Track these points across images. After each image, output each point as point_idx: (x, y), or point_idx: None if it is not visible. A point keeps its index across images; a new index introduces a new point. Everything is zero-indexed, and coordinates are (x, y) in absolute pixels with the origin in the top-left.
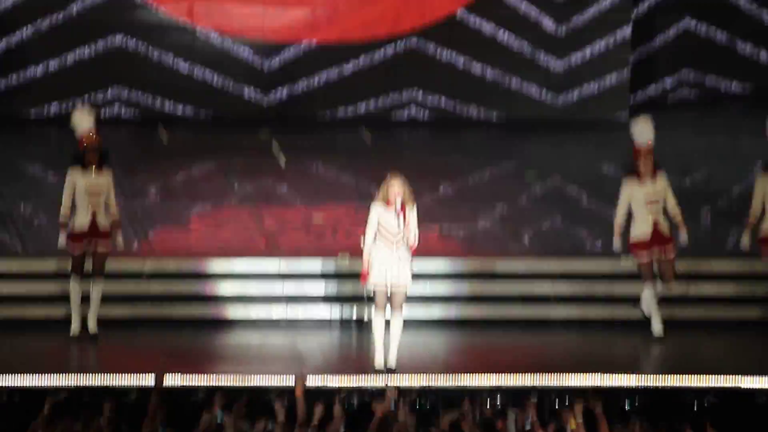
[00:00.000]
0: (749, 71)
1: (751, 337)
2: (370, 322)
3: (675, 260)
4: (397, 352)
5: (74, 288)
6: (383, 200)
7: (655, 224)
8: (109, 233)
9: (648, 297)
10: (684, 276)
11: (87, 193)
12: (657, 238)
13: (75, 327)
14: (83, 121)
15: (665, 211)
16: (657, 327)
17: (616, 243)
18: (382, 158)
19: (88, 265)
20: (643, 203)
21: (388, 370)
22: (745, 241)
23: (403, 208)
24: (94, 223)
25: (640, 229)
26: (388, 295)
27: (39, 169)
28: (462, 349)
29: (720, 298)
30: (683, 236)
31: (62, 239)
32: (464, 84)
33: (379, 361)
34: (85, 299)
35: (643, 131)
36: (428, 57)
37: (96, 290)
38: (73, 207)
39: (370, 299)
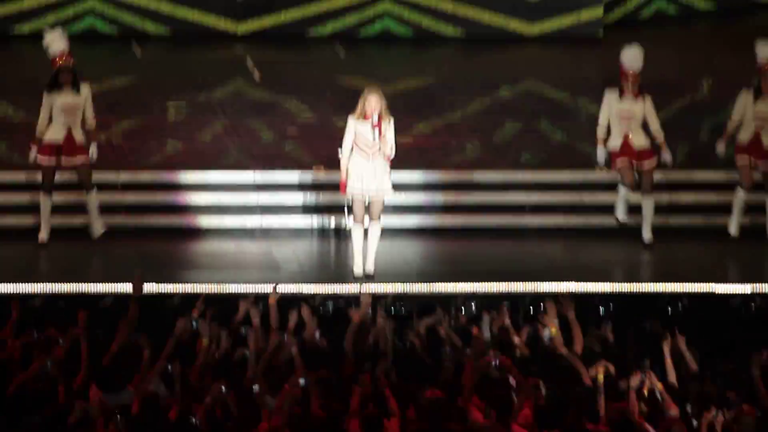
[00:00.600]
0: None
1: (730, 244)
2: (345, 231)
3: (652, 173)
4: (374, 259)
5: (43, 201)
6: (360, 113)
7: (625, 137)
8: (85, 147)
9: (621, 196)
10: (665, 186)
11: (63, 112)
12: (627, 150)
13: (43, 235)
14: (56, 42)
15: (647, 130)
16: (646, 234)
17: (599, 152)
18: (354, 72)
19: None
20: (618, 118)
21: (366, 276)
22: (720, 148)
23: (379, 121)
24: (69, 137)
25: (613, 142)
26: (366, 204)
27: (17, 86)
28: (437, 258)
29: (701, 206)
30: (665, 156)
31: (32, 154)
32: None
33: (357, 269)
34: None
35: (634, 59)
36: None
37: (91, 201)
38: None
39: (349, 209)
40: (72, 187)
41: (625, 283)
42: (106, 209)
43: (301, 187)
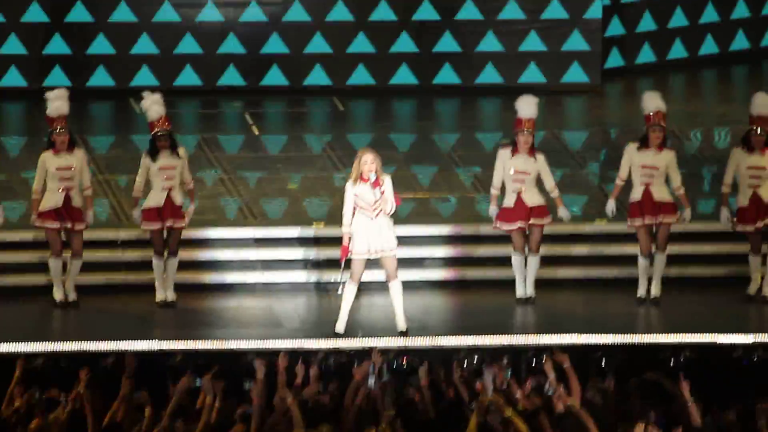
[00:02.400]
0: None
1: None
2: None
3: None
4: (404, 315)
5: (156, 263)
6: (356, 176)
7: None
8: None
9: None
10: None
11: (163, 177)
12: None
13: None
14: (155, 107)
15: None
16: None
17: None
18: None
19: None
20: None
21: (400, 333)
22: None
23: (377, 179)
24: (169, 201)
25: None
26: (373, 263)
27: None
28: (438, 311)
29: (696, 255)
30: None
31: (136, 216)
32: None
33: (339, 327)
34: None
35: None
36: None
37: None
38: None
39: (347, 267)
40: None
41: (627, 335)
42: (106, 266)
43: (302, 242)
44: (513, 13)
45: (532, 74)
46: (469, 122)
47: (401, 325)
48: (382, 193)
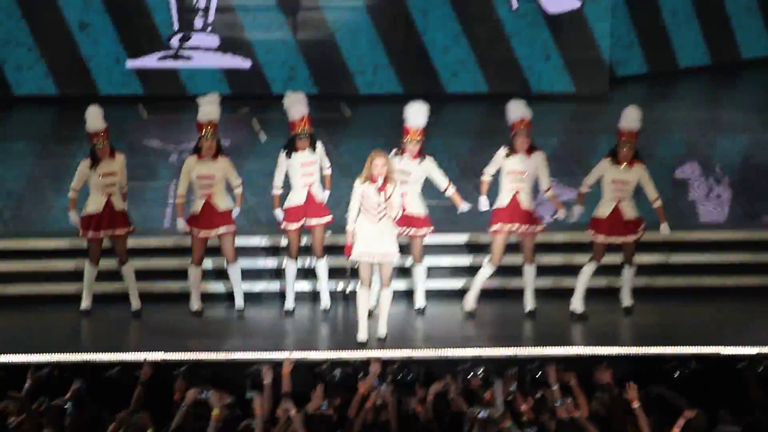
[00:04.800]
0: None
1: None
2: (351, 295)
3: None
4: (386, 323)
5: (289, 266)
6: (366, 177)
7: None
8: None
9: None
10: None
11: (301, 174)
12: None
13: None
14: (297, 105)
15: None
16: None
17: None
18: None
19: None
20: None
21: (378, 340)
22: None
23: (385, 184)
24: (311, 198)
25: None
26: (374, 267)
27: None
28: (444, 321)
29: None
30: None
31: (279, 215)
32: None
33: (361, 336)
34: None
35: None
36: None
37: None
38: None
39: (354, 272)
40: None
41: (632, 347)
42: (108, 276)
43: (308, 250)
44: None
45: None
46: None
47: (381, 331)
48: (387, 198)
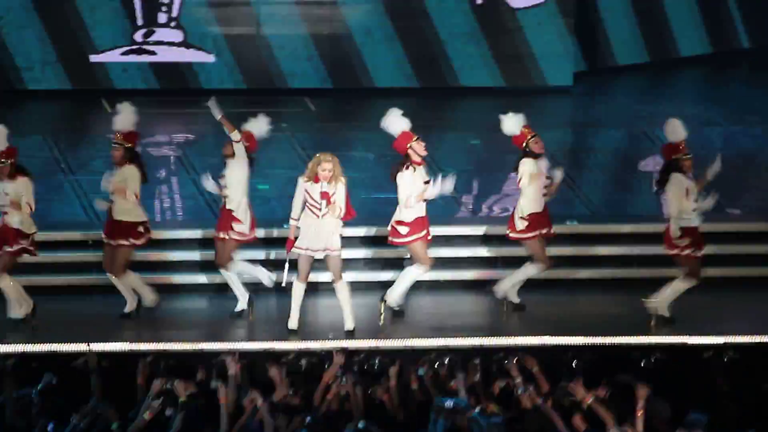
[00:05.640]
0: None
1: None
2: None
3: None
4: (351, 315)
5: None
6: (311, 176)
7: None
8: None
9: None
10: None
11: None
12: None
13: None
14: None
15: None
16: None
17: None
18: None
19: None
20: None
21: (347, 333)
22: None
23: (328, 192)
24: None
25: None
26: (313, 263)
27: None
28: (410, 312)
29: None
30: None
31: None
32: None
33: (292, 324)
34: None
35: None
36: None
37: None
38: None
39: (292, 266)
40: None
41: (597, 337)
42: (78, 268)
43: (265, 242)
44: None
45: None
46: None
47: (348, 324)
48: (330, 202)
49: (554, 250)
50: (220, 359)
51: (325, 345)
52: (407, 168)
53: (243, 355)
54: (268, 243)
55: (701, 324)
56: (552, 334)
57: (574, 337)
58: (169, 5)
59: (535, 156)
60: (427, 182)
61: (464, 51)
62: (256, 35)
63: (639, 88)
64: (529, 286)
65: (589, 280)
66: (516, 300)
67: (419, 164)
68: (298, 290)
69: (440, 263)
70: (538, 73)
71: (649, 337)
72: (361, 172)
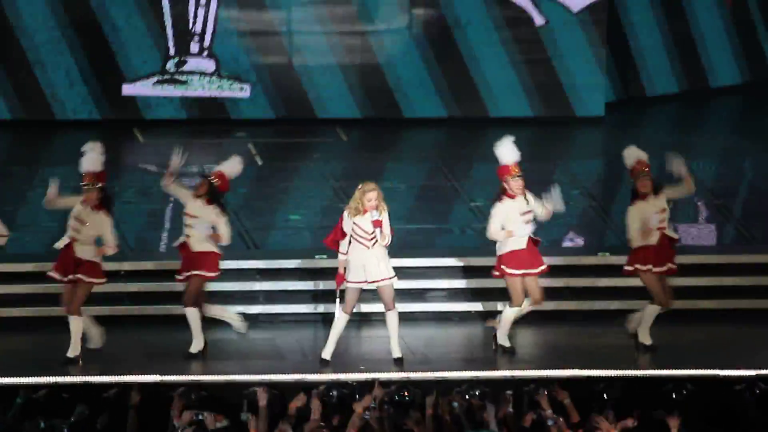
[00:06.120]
0: None
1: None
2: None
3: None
4: (398, 344)
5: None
6: (359, 209)
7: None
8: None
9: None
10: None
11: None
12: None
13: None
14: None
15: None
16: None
17: None
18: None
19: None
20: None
21: (395, 360)
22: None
23: (378, 220)
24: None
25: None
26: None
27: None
28: (441, 344)
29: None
30: None
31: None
32: None
33: (326, 354)
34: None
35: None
36: None
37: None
38: None
39: (341, 297)
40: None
41: (628, 370)
42: (109, 298)
43: (304, 273)
44: None
45: None
46: None
47: (396, 352)
48: (380, 229)
49: (594, 282)
50: (250, 390)
51: (357, 376)
52: (500, 200)
53: (273, 386)
54: (303, 274)
55: (733, 357)
56: (582, 367)
57: (605, 370)
58: (202, 35)
59: (512, 196)
60: (526, 212)
61: (497, 81)
62: (287, 65)
63: (672, 118)
64: (557, 318)
65: (620, 311)
66: (648, 342)
67: (512, 197)
68: (340, 322)
69: (469, 293)
70: (570, 104)
71: (681, 369)
72: (392, 202)
